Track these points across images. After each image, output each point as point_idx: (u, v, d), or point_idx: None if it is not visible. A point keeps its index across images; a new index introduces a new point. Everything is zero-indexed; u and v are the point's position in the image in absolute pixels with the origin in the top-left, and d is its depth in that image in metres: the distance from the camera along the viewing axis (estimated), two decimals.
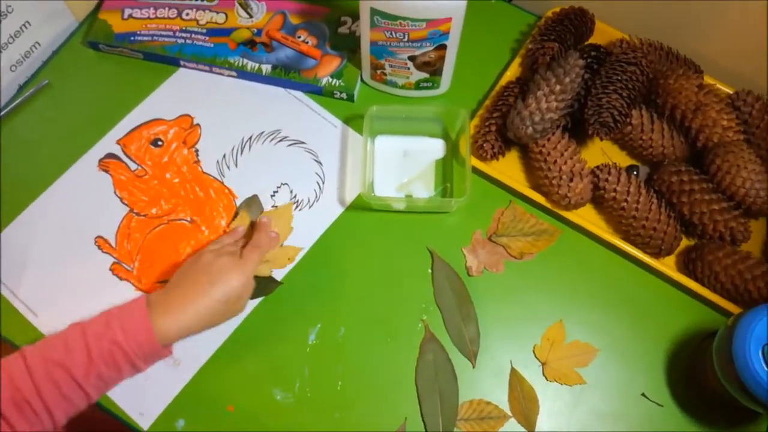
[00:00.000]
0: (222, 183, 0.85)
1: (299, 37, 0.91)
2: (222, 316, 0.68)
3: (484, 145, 0.84)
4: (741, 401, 0.66)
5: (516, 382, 0.76)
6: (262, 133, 0.88)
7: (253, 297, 0.79)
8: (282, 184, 0.85)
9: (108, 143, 0.87)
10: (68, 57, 0.92)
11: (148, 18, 0.92)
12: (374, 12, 0.76)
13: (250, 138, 0.88)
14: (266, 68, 0.89)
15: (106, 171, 0.85)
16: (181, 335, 0.65)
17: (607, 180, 0.80)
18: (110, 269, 0.80)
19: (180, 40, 0.90)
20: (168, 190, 0.85)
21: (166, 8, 0.92)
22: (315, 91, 0.90)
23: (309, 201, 0.85)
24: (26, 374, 0.59)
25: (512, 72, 0.90)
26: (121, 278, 0.80)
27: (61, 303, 0.77)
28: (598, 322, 0.79)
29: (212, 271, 0.68)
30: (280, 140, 0.88)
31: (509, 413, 0.75)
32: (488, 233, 0.83)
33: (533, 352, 0.78)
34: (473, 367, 0.77)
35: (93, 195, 0.84)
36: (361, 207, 0.84)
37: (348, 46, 0.90)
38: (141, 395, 0.74)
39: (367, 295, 0.80)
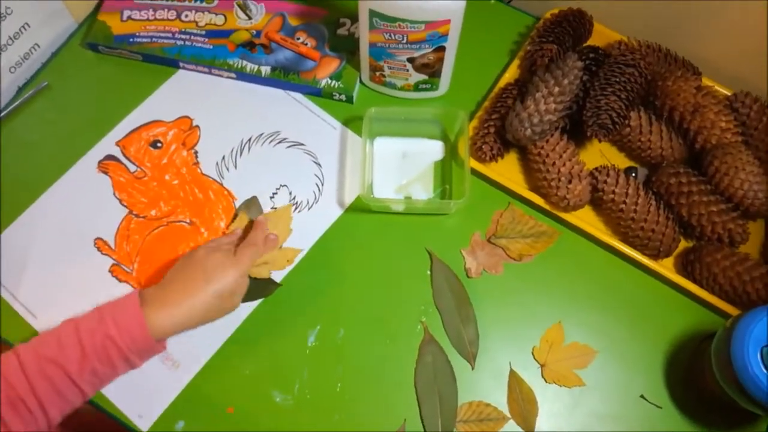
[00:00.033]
0: (221, 185, 0.85)
1: (298, 38, 0.91)
2: (215, 311, 0.68)
3: (483, 146, 0.84)
4: (739, 403, 0.66)
5: (515, 383, 0.76)
6: (262, 134, 0.88)
7: (253, 299, 0.79)
8: (281, 185, 0.85)
9: (107, 145, 0.87)
10: (67, 58, 0.92)
11: (148, 19, 0.92)
12: (373, 14, 0.76)
13: (250, 140, 0.88)
14: (265, 70, 0.89)
15: (106, 173, 0.85)
16: (175, 330, 0.65)
17: (605, 182, 0.80)
18: (109, 271, 0.80)
19: (179, 42, 0.90)
20: (167, 192, 0.85)
21: (165, 10, 0.92)
22: (314, 92, 0.90)
23: (308, 202, 0.85)
24: (20, 372, 0.59)
25: (511, 74, 0.90)
26: (120, 280, 0.80)
27: (60, 304, 0.77)
28: (597, 323, 0.79)
29: (207, 266, 0.68)
30: (280, 142, 0.88)
31: (508, 415, 0.75)
32: (487, 235, 0.83)
33: (532, 353, 0.78)
34: (472, 368, 0.77)
35: (92, 197, 0.84)
36: (360, 209, 0.84)
37: (347, 48, 0.91)
38: (140, 397, 0.74)
39: (367, 297, 0.80)
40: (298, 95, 0.91)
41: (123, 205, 0.84)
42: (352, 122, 0.89)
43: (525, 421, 0.75)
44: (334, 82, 0.89)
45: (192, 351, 0.76)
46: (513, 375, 0.77)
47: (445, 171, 0.87)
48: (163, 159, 0.86)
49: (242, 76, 0.90)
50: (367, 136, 0.82)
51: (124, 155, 0.86)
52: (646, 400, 0.76)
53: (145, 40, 0.90)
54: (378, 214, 0.84)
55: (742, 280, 0.76)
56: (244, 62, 0.89)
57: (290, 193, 0.85)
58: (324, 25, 0.92)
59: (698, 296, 0.78)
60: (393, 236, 0.83)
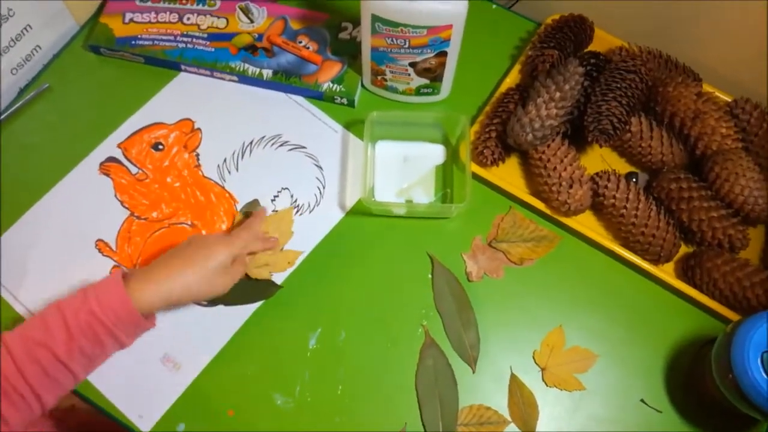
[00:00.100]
0: (223, 187, 0.85)
1: (300, 42, 0.91)
2: (205, 285, 0.67)
3: (484, 151, 0.84)
4: (739, 408, 0.66)
5: (516, 387, 0.76)
6: (263, 137, 0.88)
7: (253, 300, 0.79)
8: (282, 188, 0.85)
9: (109, 147, 0.87)
10: (69, 61, 0.92)
11: (150, 22, 0.92)
12: (375, 18, 0.76)
13: (251, 142, 0.88)
14: (267, 73, 0.90)
15: (107, 175, 0.85)
16: (162, 303, 0.65)
17: (606, 187, 0.80)
18: (110, 272, 0.80)
19: (181, 45, 0.90)
20: (169, 194, 0.85)
21: (168, 13, 0.92)
22: (316, 96, 0.90)
23: (309, 206, 0.85)
24: (7, 358, 0.59)
25: (512, 78, 0.90)
26: None
27: None
28: (597, 328, 0.80)
29: (197, 242, 0.68)
30: (281, 145, 0.88)
31: (509, 418, 0.75)
32: (488, 239, 0.84)
33: (533, 357, 0.78)
34: (473, 372, 0.77)
35: (94, 198, 0.84)
36: (361, 212, 0.84)
37: (349, 52, 0.91)
38: (141, 398, 0.74)
39: (368, 300, 0.80)
40: (300, 98, 0.91)
41: (124, 207, 0.84)
42: (354, 126, 0.89)
43: (525, 424, 0.75)
44: (335, 85, 0.89)
45: (193, 353, 0.76)
46: (514, 379, 0.77)
47: (447, 175, 0.87)
48: (165, 161, 0.86)
49: (244, 79, 0.90)
50: (368, 139, 0.82)
51: (126, 157, 0.86)
52: (646, 404, 0.76)
53: (147, 42, 0.90)
54: (379, 218, 0.84)
55: (743, 285, 0.76)
56: (246, 65, 0.90)
57: (292, 196, 0.85)
58: (326, 29, 0.92)
59: (698, 301, 0.78)
60: (394, 240, 0.83)
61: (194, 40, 0.91)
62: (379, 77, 0.87)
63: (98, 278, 0.78)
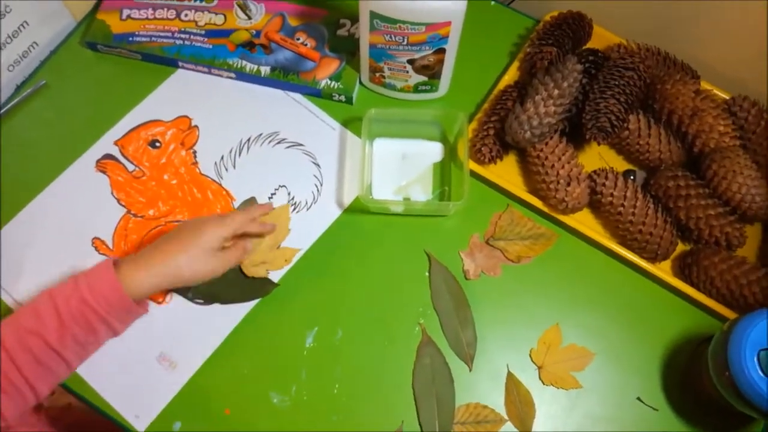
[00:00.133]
0: (220, 185, 0.85)
1: (298, 39, 0.91)
2: (198, 264, 0.66)
3: (482, 148, 0.84)
4: (736, 406, 0.66)
5: (512, 385, 0.76)
6: (261, 134, 0.88)
7: (250, 298, 0.79)
8: (280, 186, 0.85)
9: (106, 144, 0.86)
10: (66, 57, 0.92)
11: (147, 19, 0.91)
12: (374, 15, 0.76)
13: (249, 140, 0.88)
14: (265, 70, 0.89)
15: (104, 172, 0.85)
16: (154, 287, 0.65)
17: (604, 184, 0.80)
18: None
19: (178, 41, 0.90)
20: (166, 192, 0.84)
21: (165, 9, 0.92)
22: (313, 93, 0.90)
23: (307, 203, 0.85)
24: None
25: (510, 76, 0.90)
26: None
27: None
28: (594, 326, 0.80)
29: (189, 224, 0.68)
30: (279, 142, 0.88)
31: (506, 417, 0.75)
32: (486, 237, 0.84)
33: (530, 355, 0.78)
34: (470, 370, 0.77)
35: (90, 196, 0.83)
36: (358, 210, 0.84)
37: (347, 49, 0.90)
38: (137, 397, 0.74)
39: (365, 298, 0.80)
40: (298, 96, 0.91)
41: (121, 204, 0.83)
42: (352, 123, 0.89)
43: (522, 423, 0.75)
44: (333, 82, 0.89)
45: (189, 352, 0.76)
46: (510, 377, 0.77)
47: (444, 173, 0.87)
48: (162, 158, 0.86)
49: (242, 76, 0.90)
50: (366, 137, 0.82)
51: (123, 154, 0.86)
52: (642, 402, 0.76)
53: (144, 39, 0.90)
54: (377, 215, 0.84)
55: (739, 283, 0.76)
56: (244, 62, 0.89)
57: (289, 194, 0.85)
58: (324, 26, 0.92)
59: (695, 299, 0.78)
60: (392, 237, 0.83)
61: (192, 36, 0.91)
62: (378, 74, 0.87)
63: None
